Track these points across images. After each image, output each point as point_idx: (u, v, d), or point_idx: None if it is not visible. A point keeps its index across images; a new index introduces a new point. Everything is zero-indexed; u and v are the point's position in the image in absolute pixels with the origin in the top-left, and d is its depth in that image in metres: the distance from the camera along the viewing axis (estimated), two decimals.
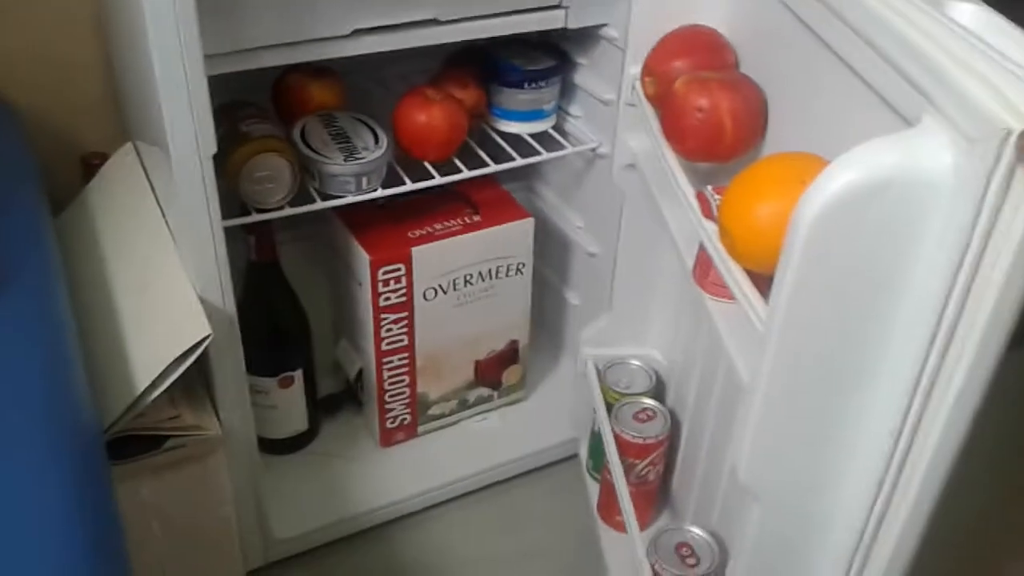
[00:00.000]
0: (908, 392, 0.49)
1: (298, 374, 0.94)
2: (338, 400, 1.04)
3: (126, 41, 0.82)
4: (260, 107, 0.88)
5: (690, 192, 0.68)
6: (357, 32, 0.78)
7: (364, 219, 0.92)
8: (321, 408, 1.03)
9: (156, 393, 0.68)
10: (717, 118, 0.67)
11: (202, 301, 0.73)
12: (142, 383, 0.68)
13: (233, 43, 0.73)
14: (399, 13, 0.79)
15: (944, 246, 0.45)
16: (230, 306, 0.77)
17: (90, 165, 1.00)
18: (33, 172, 0.85)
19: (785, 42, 0.65)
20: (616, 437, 0.89)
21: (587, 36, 0.93)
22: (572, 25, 0.88)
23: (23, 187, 0.82)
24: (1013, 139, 0.41)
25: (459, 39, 0.84)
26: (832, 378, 0.52)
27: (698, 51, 0.74)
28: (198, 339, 0.69)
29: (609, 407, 0.92)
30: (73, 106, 1.00)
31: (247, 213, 0.81)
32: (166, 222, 0.82)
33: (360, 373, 0.99)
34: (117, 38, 0.89)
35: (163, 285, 0.75)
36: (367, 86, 1.00)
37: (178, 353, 0.68)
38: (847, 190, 0.46)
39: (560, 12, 0.87)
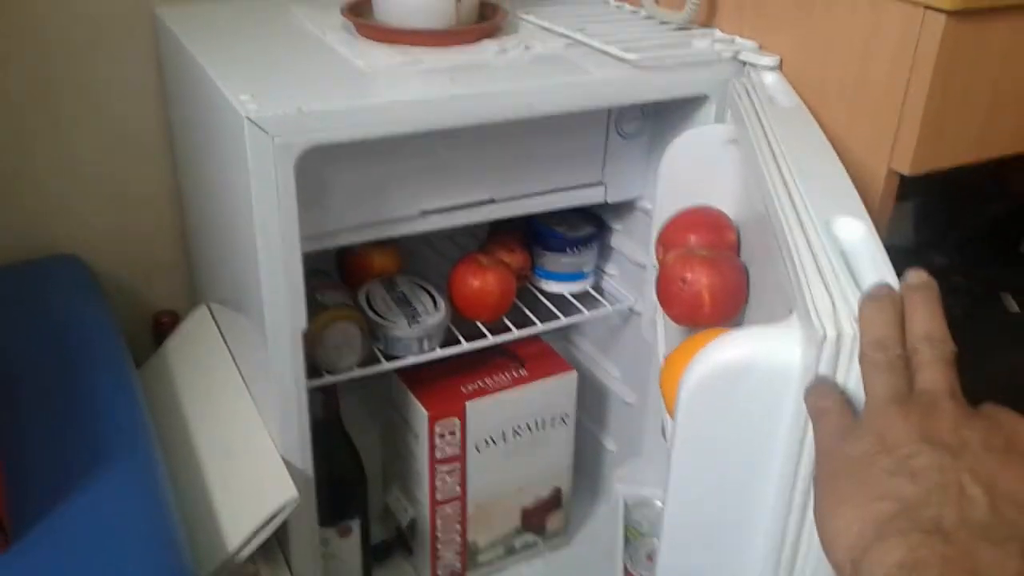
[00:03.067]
0: (777, 547, 0.56)
1: (356, 523, 0.99)
2: (389, 547, 1.09)
3: (213, 219, 0.90)
4: (329, 274, 0.96)
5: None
6: (424, 213, 0.87)
7: (420, 374, 0.98)
8: (374, 555, 1.07)
9: (245, 554, 0.73)
10: (697, 290, 0.75)
11: (284, 461, 0.79)
12: (233, 545, 0.73)
13: (319, 227, 0.81)
14: (460, 195, 0.88)
15: (793, 425, 0.53)
16: (308, 465, 0.82)
17: (161, 323, 1.07)
18: (116, 331, 0.92)
19: (761, 230, 0.73)
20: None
21: (622, 206, 1.02)
22: (611, 200, 0.97)
23: (110, 346, 0.89)
24: (828, 343, 0.50)
25: (512, 215, 0.92)
26: (716, 528, 0.59)
27: (702, 229, 0.83)
28: (284, 502, 0.74)
29: (629, 543, 0.97)
30: (147, 268, 1.08)
31: (318, 374, 0.88)
32: (244, 383, 0.88)
33: (413, 522, 1.03)
34: (199, 212, 0.97)
35: (247, 447, 0.81)
36: (421, 248, 1.08)
37: (266, 516, 0.73)
38: (713, 371, 0.55)
39: (600, 188, 0.96)
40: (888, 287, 0.52)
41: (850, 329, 0.51)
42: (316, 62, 0.81)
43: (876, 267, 0.56)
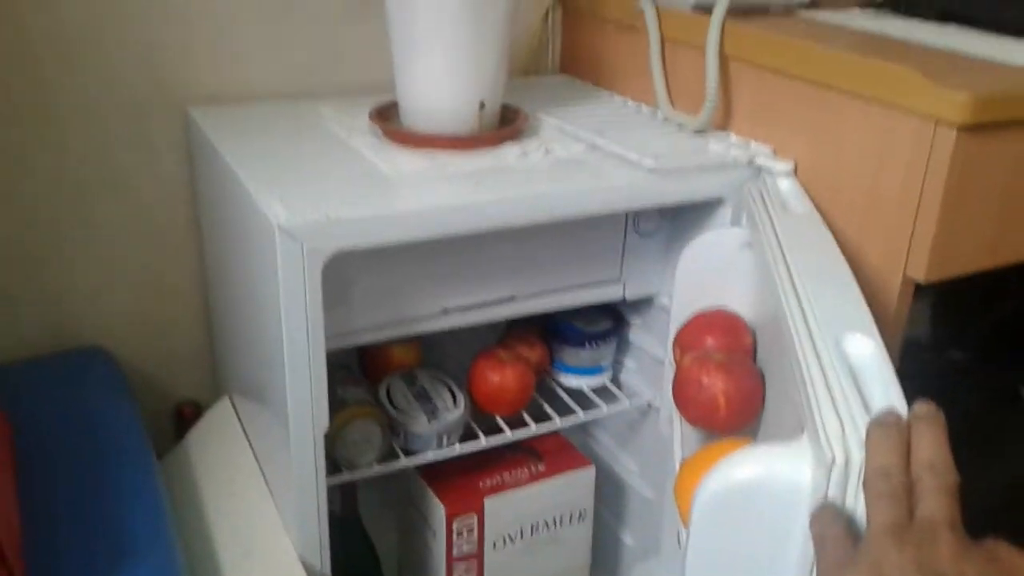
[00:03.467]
0: None
1: None
2: None
3: (238, 314, 0.92)
4: (350, 368, 0.97)
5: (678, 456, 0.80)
6: (446, 311, 0.88)
7: (439, 470, 0.99)
8: None
9: None
10: (712, 395, 0.76)
11: (302, 560, 0.79)
12: None
13: (342, 326, 0.82)
14: (482, 293, 0.90)
15: (804, 545, 0.54)
16: (326, 563, 0.82)
17: (183, 414, 1.08)
18: (140, 424, 0.93)
19: (777, 335, 0.73)
20: None
21: (641, 301, 1.03)
22: (629, 297, 0.99)
23: (134, 440, 0.90)
24: (836, 467, 0.51)
25: (532, 312, 0.94)
26: None
27: (719, 331, 0.84)
28: None
29: None
30: (171, 358, 1.09)
31: (338, 470, 0.89)
32: (264, 477, 0.89)
33: None
34: (224, 305, 0.99)
35: (265, 545, 0.81)
36: (442, 338, 1.09)
37: None
38: (725, 488, 0.56)
39: (619, 286, 0.98)
40: (896, 414, 0.53)
41: (858, 454, 0.52)
42: (344, 167, 0.83)
43: (885, 388, 0.57)
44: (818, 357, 0.59)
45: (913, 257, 0.77)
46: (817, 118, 0.84)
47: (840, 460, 0.51)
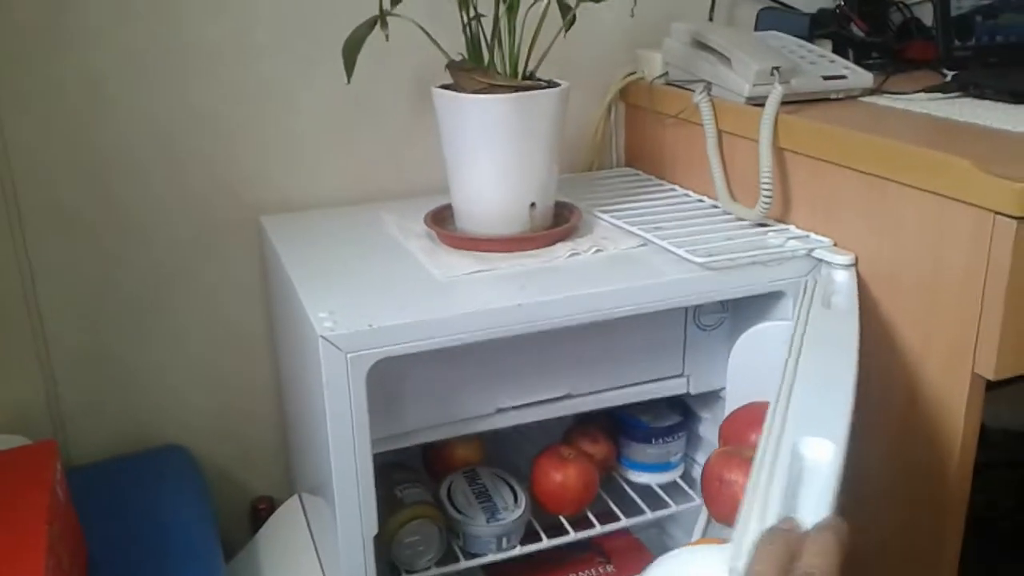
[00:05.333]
0: None
1: None
2: None
3: (299, 413, 0.95)
4: (411, 468, 0.98)
5: None
6: (500, 410, 0.88)
7: (500, 570, 0.97)
8: None
9: None
10: (734, 492, 0.73)
11: None
12: None
13: (395, 428, 0.84)
14: (536, 392, 0.89)
15: None
16: None
17: (258, 509, 1.11)
18: (210, 522, 0.96)
19: None
20: None
21: (708, 394, 1.00)
22: (694, 391, 0.96)
23: (203, 541, 0.93)
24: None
25: (591, 409, 0.93)
26: None
27: (757, 426, 0.80)
28: None
29: None
30: (248, 455, 1.13)
31: (396, 572, 0.88)
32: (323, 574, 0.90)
33: None
34: (292, 403, 1.02)
35: None
36: (506, 433, 1.09)
37: None
38: None
39: (683, 380, 0.96)
40: (791, 523, 0.53)
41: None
42: (397, 271, 0.85)
43: (818, 497, 0.55)
44: (774, 458, 0.57)
45: (981, 353, 0.73)
46: (876, 209, 0.81)
47: (739, 568, 0.50)
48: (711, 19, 1.17)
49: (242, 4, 0.99)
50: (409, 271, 0.85)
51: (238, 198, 1.04)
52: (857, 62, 1.10)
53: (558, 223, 0.93)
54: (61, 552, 0.74)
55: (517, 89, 0.85)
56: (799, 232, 0.90)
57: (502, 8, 0.85)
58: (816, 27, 1.14)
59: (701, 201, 1.03)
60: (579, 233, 0.93)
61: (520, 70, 0.88)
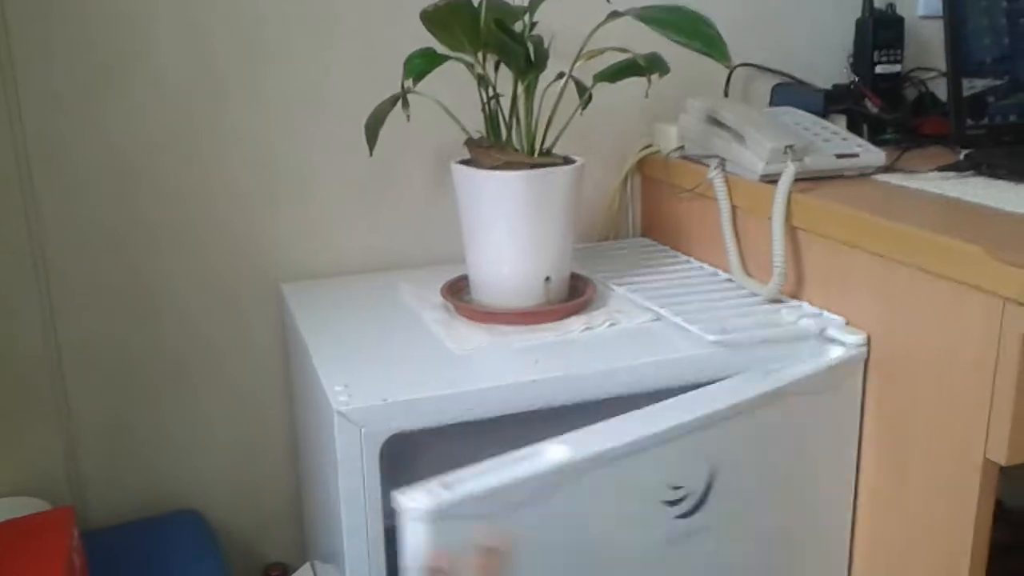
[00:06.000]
0: None
1: None
2: None
3: (313, 481, 0.95)
4: None
5: None
6: None
7: None
8: None
9: None
10: None
11: None
12: None
13: None
14: None
15: None
16: None
17: None
18: None
19: None
20: None
21: None
22: None
23: None
24: None
25: None
26: None
27: None
28: None
29: None
30: (261, 521, 1.13)
31: None
32: None
33: None
34: (308, 472, 1.03)
35: None
36: None
37: None
38: None
39: None
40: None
41: None
42: (411, 343, 0.87)
43: None
44: None
45: (992, 439, 0.72)
46: (889, 290, 0.82)
47: None
48: (726, 94, 1.19)
49: (264, 79, 1.02)
50: (424, 344, 0.86)
51: (258, 266, 1.06)
52: (872, 137, 1.12)
53: (573, 296, 0.94)
54: None
55: (533, 166, 0.87)
56: (812, 310, 0.90)
57: (520, 88, 0.88)
58: (831, 102, 1.16)
59: (715, 274, 1.03)
60: (594, 306, 0.94)
61: (537, 147, 0.90)
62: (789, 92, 1.19)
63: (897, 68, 1.22)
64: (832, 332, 0.86)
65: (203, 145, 1.02)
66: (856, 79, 1.21)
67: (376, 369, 0.81)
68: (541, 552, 0.71)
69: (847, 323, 0.87)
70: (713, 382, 0.92)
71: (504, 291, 0.91)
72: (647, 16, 0.78)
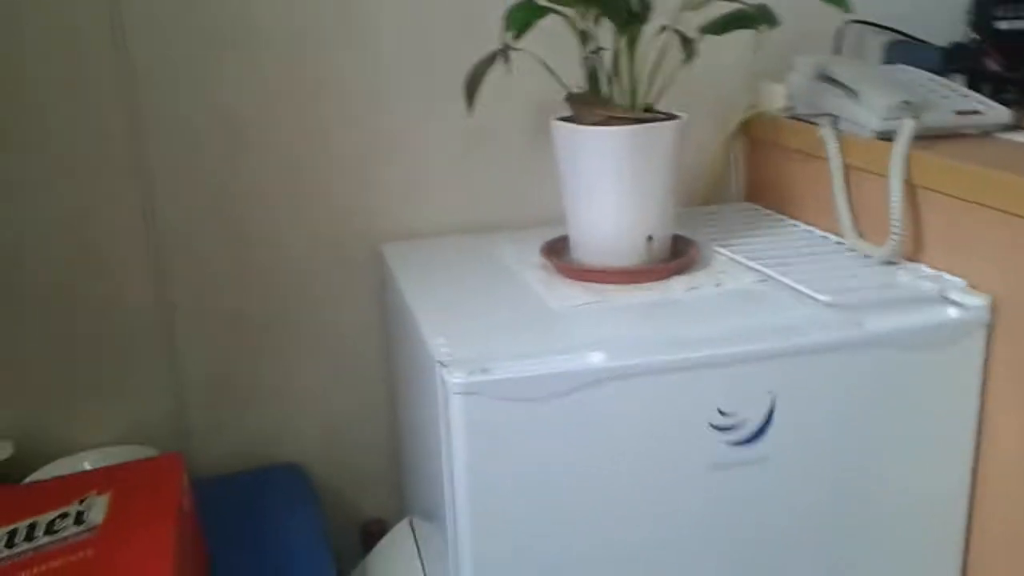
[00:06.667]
0: None
1: None
2: None
3: (414, 439, 0.96)
4: None
5: None
6: None
7: None
8: None
9: None
10: None
11: None
12: None
13: None
14: None
15: None
16: None
17: (369, 531, 1.13)
18: (324, 539, 0.98)
19: None
20: None
21: None
22: None
23: (316, 556, 0.95)
24: None
25: None
26: None
27: None
28: None
29: None
30: (360, 478, 1.15)
31: None
32: None
33: None
34: (406, 430, 1.04)
35: None
36: None
37: None
38: None
39: None
40: None
41: None
42: (513, 301, 0.86)
43: None
44: None
45: None
46: (1015, 251, 0.77)
47: None
48: (837, 52, 1.14)
49: (365, 40, 1.03)
50: (525, 301, 0.86)
51: (359, 226, 1.07)
52: (994, 97, 1.05)
53: (675, 257, 0.92)
54: (186, 558, 0.77)
55: (635, 121, 0.85)
56: (930, 272, 0.86)
57: (622, 42, 0.86)
58: (949, 61, 1.10)
59: (826, 238, 1.00)
60: (697, 267, 0.92)
61: (639, 102, 0.88)
62: (904, 50, 1.13)
63: (1021, 25, 1.14)
64: (953, 295, 0.82)
65: (306, 105, 1.03)
66: (976, 36, 1.14)
67: (476, 324, 0.81)
68: (571, 448, 0.74)
69: (968, 285, 0.82)
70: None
71: (605, 250, 0.89)
72: None
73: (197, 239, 1.04)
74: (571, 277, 0.90)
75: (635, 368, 0.74)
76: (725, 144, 1.15)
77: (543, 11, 0.83)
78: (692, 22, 0.87)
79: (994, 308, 0.80)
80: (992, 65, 1.12)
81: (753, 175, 1.17)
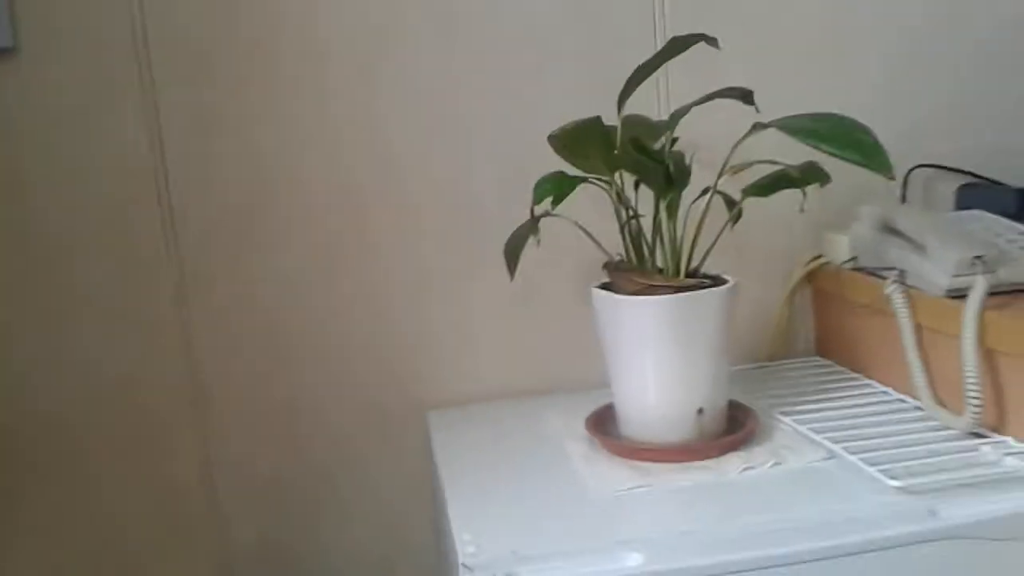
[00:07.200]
0: None
1: None
2: None
3: None
4: None
5: None
6: None
7: None
8: None
9: None
10: None
11: None
12: None
13: None
14: None
15: None
16: None
17: None
18: None
19: None
20: None
21: None
22: None
23: None
24: None
25: None
26: None
27: None
28: None
29: None
30: None
31: None
32: None
33: None
34: None
35: None
36: None
37: None
38: None
39: None
40: None
41: None
42: (551, 481, 0.81)
43: None
44: None
45: None
46: None
47: None
48: (904, 199, 1.08)
49: (407, 202, 1.03)
50: (565, 483, 0.80)
51: (405, 390, 1.05)
52: None
53: (732, 428, 0.85)
54: None
55: (678, 289, 0.80)
56: (1018, 447, 0.77)
57: (662, 207, 0.82)
58: None
59: (902, 401, 0.91)
60: (756, 441, 0.85)
61: (683, 267, 0.83)
62: (977, 194, 1.05)
63: None
64: None
65: (353, 266, 1.03)
66: None
67: (510, 513, 0.75)
68: None
69: None
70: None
71: (651, 424, 0.83)
72: (793, 127, 0.71)
73: (244, 407, 1.03)
74: (615, 453, 0.84)
75: (675, 573, 0.67)
76: (789, 298, 1.08)
77: (574, 182, 0.80)
78: (736, 182, 0.83)
79: None
80: None
81: (823, 328, 1.09)
